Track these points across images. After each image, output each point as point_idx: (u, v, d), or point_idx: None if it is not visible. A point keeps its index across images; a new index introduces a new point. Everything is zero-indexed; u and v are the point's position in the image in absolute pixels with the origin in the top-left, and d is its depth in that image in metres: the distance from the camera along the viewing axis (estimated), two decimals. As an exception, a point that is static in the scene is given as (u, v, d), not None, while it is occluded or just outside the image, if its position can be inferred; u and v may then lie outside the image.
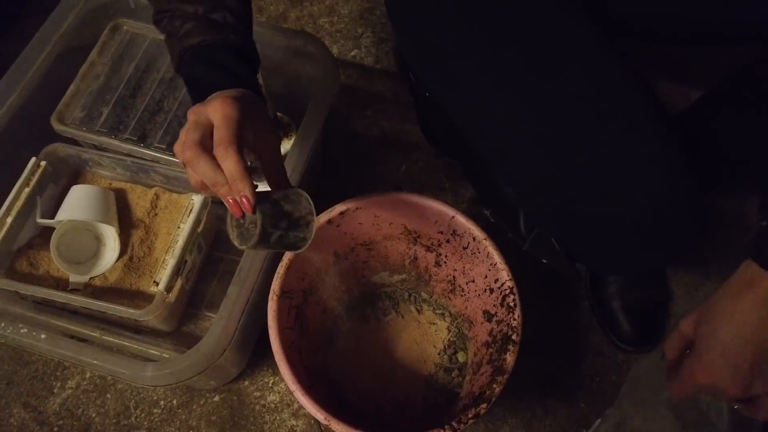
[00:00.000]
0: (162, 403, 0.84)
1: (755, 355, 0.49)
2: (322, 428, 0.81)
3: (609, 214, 0.59)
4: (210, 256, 0.83)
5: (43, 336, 0.66)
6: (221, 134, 0.46)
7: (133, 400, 0.84)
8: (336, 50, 1.11)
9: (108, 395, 0.84)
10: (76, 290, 0.75)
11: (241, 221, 0.50)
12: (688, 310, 0.88)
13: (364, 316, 0.83)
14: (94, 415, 0.83)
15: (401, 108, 1.05)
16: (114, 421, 0.83)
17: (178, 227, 0.75)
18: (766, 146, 0.66)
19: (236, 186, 0.46)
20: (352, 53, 1.11)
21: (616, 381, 0.85)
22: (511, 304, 0.66)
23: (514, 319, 0.64)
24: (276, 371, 0.85)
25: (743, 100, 0.65)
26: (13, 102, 0.78)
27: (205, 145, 0.47)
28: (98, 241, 0.78)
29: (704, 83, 1.01)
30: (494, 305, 0.69)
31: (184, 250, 0.72)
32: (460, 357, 0.79)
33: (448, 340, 0.81)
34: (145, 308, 0.68)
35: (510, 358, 0.62)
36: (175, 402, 0.84)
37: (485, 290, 0.71)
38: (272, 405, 0.84)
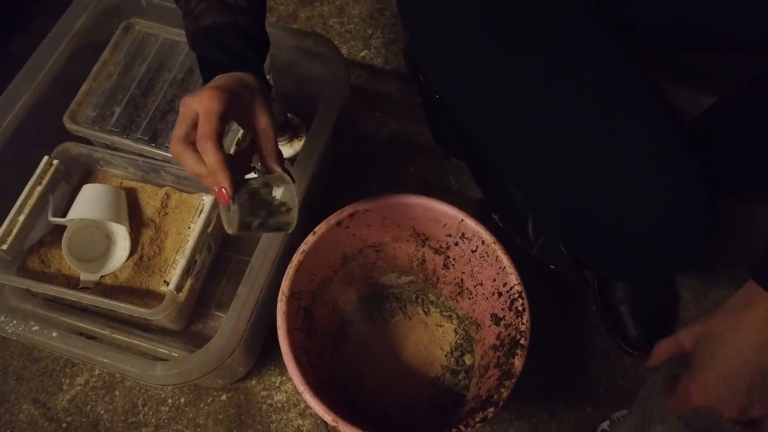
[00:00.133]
0: (170, 401, 0.84)
1: (753, 377, 0.48)
2: (329, 429, 0.82)
3: (617, 222, 0.58)
4: (219, 255, 0.84)
5: (54, 334, 0.67)
6: (202, 129, 0.48)
7: (141, 398, 0.85)
8: (346, 51, 1.11)
9: (116, 392, 0.85)
10: (86, 288, 0.75)
11: (228, 209, 0.52)
12: (696, 316, 0.88)
13: (372, 317, 0.84)
14: (102, 411, 0.84)
15: (410, 109, 1.05)
16: (122, 418, 0.83)
17: (189, 227, 0.76)
18: None
19: (216, 178, 0.49)
20: (362, 54, 1.12)
21: (623, 385, 0.85)
22: (520, 309, 0.66)
23: (523, 324, 0.64)
24: (283, 371, 0.85)
25: (756, 108, 0.65)
26: (26, 101, 0.78)
27: (191, 138, 0.49)
28: (109, 239, 0.79)
29: (717, 89, 1.01)
30: (502, 309, 0.70)
31: (194, 250, 0.72)
32: (467, 360, 0.79)
33: (455, 342, 0.81)
34: (155, 308, 0.69)
35: (518, 363, 0.62)
36: (182, 400, 0.84)
37: (493, 293, 0.71)
38: (279, 404, 0.84)
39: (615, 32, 0.59)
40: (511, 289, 0.67)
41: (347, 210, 0.70)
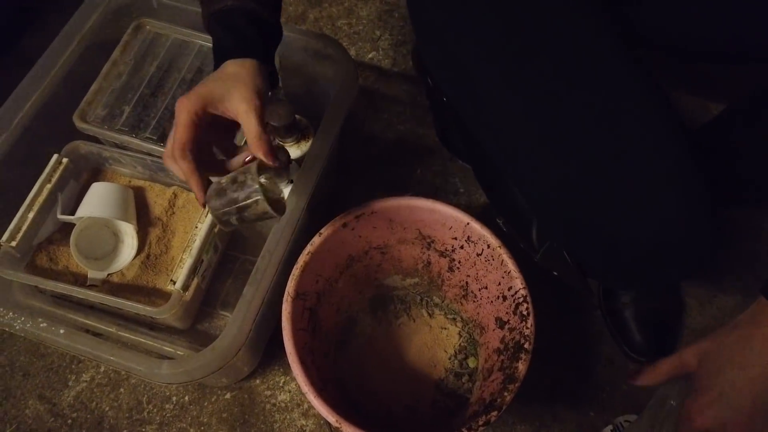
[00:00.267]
0: (174, 398, 0.85)
1: (759, 398, 0.46)
2: (332, 429, 0.82)
3: (619, 230, 0.58)
4: (225, 255, 0.84)
5: (62, 331, 0.67)
6: (176, 138, 0.52)
7: (145, 395, 0.85)
8: (354, 52, 1.12)
9: (121, 389, 0.85)
10: (93, 286, 0.76)
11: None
12: (701, 322, 0.88)
13: (376, 318, 0.84)
14: (107, 408, 0.84)
15: (417, 111, 1.05)
16: (126, 415, 0.84)
17: (196, 227, 0.76)
18: None
19: (189, 184, 0.53)
20: (370, 55, 1.12)
21: (627, 391, 0.85)
22: (525, 313, 0.66)
23: (527, 328, 0.65)
24: (287, 371, 0.86)
25: (765, 118, 0.64)
26: (36, 99, 0.79)
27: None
28: (116, 238, 0.79)
29: (726, 96, 1.01)
30: (507, 313, 0.70)
31: (201, 249, 0.73)
32: (471, 363, 0.80)
33: (459, 345, 0.81)
34: (162, 306, 0.69)
35: (522, 367, 0.62)
36: (187, 398, 0.85)
37: (498, 297, 0.71)
38: (282, 404, 0.84)
39: (624, 39, 0.59)
40: (516, 293, 0.68)
41: (353, 212, 0.71)
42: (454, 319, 0.83)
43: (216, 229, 0.75)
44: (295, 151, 0.84)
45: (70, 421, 0.84)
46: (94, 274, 0.76)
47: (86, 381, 0.86)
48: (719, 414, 0.48)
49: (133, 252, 0.78)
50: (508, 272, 0.68)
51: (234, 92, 0.54)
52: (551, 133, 0.59)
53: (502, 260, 0.69)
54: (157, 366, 0.65)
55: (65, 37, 0.83)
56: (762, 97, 0.65)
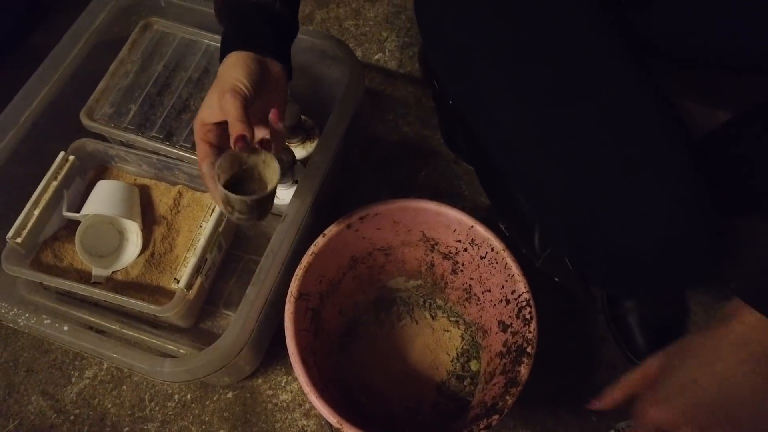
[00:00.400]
0: (176, 396, 0.85)
1: (721, 394, 0.44)
2: (333, 430, 0.82)
3: (622, 239, 0.58)
4: (229, 254, 0.84)
5: (65, 327, 0.68)
6: (199, 163, 0.55)
7: (148, 393, 0.85)
8: (360, 53, 1.12)
9: (124, 387, 0.86)
10: (98, 283, 0.76)
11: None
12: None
13: (379, 320, 0.84)
14: (109, 405, 0.85)
15: (423, 113, 1.05)
16: (129, 412, 0.84)
17: (200, 226, 0.77)
18: None
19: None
20: (376, 57, 1.12)
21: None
22: (527, 317, 0.66)
23: (530, 332, 0.64)
24: (289, 371, 0.86)
25: None
26: (44, 96, 0.79)
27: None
28: (121, 235, 0.80)
29: (733, 104, 1.00)
30: (510, 316, 0.70)
31: (205, 249, 0.73)
32: (473, 366, 0.79)
33: (462, 348, 0.81)
34: (165, 305, 0.69)
35: (524, 371, 0.62)
36: (189, 396, 0.85)
37: (501, 300, 0.71)
38: (284, 404, 0.84)
39: (631, 47, 0.58)
40: (519, 296, 0.67)
41: (357, 213, 0.71)
42: (457, 321, 0.83)
43: (220, 229, 0.75)
44: (300, 151, 0.84)
45: (72, 418, 0.84)
46: (98, 271, 0.76)
47: (89, 378, 0.86)
48: (677, 407, 0.45)
49: (138, 250, 0.78)
50: (512, 276, 0.68)
51: (223, 84, 0.53)
52: (555, 139, 0.59)
53: (506, 263, 0.68)
54: (159, 364, 0.65)
55: (73, 35, 0.84)
56: None
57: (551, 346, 0.85)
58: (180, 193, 0.81)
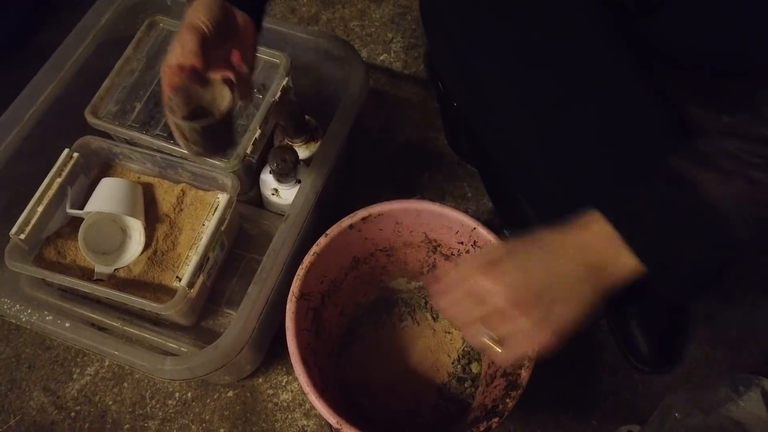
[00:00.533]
0: (177, 395, 0.85)
1: (547, 288, 0.46)
2: (333, 430, 0.82)
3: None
4: (232, 253, 0.84)
5: (67, 324, 0.68)
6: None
7: (149, 391, 0.86)
8: (365, 54, 1.12)
9: (125, 384, 0.86)
10: (100, 281, 0.76)
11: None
12: (707, 333, 0.88)
13: (380, 321, 0.84)
14: (110, 402, 0.85)
15: (427, 114, 1.05)
16: (129, 409, 0.84)
17: (203, 224, 0.77)
18: None
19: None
20: (381, 57, 1.12)
21: (631, 400, 0.84)
22: (529, 320, 0.65)
23: (531, 335, 0.64)
24: (290, 370, 0.86)
25: None
26: (49, 94, 0.80)
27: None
28: (124, 233, 0.80)
29: (737, 108, 1.00)
30: (511, 319, 0.69)
31: (208, 247, 0.73)
32: (474, 368, 0.79)
33: (463, 350, 0.81)
34: (167, 303, 0.69)
35: (525, 374, 0.62)
36: (189, 395, 0.85)
37: (503, 303, 0.71)
38: (284, 404, 0.84)
39: (635, 52, 0.58)
40: (520, 299, 0.67)
41: (360, 213, 0.71)
42: (459, 323, 0.83)
43: (223, 227, 0.76)
44: (303, 151, 0.84)
45: (73, 414, 0.84)
46: (100, 268, 0.76)
47: (90, 375, 0.87)
48: (504, 282, 0.47)
49: (140, 248, 0.78)
50: (514, 278, 0.68)
51: (183, 23, 0.53)
52: (558, 143, 0.59)
53: (508, 266, 0.68)
54: (160, 362, 0.65)
55: (79, 33, 0.84)
56: None
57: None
58: (183, 192, 0.81)
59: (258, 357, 0.83)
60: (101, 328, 0.77)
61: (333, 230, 0.70)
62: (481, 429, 0.59)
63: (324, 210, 0.80)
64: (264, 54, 0.85)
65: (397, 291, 0.85)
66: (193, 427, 0.83)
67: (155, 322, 0.79)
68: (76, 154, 0.78)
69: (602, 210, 0.47)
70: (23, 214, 0.74)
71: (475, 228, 0.70)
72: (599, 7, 0.59)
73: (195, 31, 0.52)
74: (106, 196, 0.77)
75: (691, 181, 0.44)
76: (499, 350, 0.48)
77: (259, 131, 0.79)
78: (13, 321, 0.70)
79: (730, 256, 0.46)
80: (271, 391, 0.85)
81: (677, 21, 0.60)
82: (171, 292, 0.75)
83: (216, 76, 0.56)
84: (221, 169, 0.77)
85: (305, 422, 0.83)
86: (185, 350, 0.75)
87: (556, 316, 0.46)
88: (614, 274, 0.46)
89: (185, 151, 0.78)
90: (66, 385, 0.86)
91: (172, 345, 0.76)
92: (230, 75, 0.57)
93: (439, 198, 0.98)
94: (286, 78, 0.83)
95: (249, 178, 0.83)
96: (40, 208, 0.75)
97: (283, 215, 0.73)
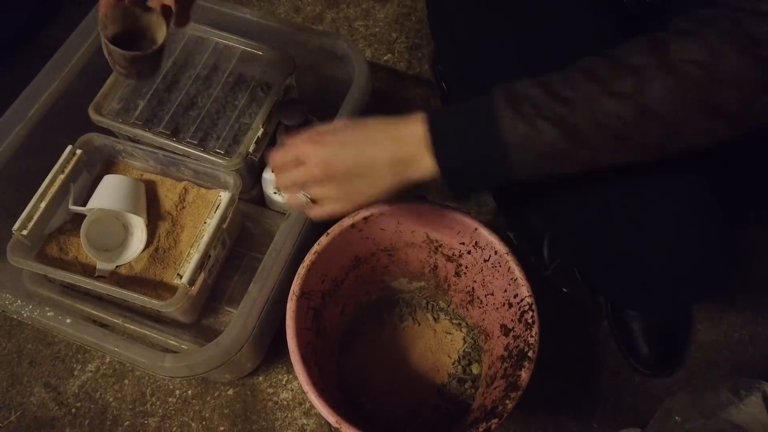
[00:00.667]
0: (177, 392, 0.85)
1: (354, 167, 0.52)
2: (332, 430, 0.82)
3: (633, 252, 0.58)
4: (233, 251, 0.85)
5: (68, 320, 0.68)
6: None
7: (149, 388, 0.86)
8: (369, 53, 1.12)
9: (126, 381, 0.86)
10: (102, 277, 0.76)
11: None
12: (710, 337, 0.87)
13: (381, 320, 0.84)
14: (111, 399, 0.85)
15: (430, 115, 1.05)
16: (130, 406, 0.85)
17: (205, 222, 0.77)
18: None
19: None
20: (385, 57, 1.12)
21: (631, 403, 0.84)
22: (530, 321, 0.65)
23: (532, 336, 0.64)
24: (290, 369, 0.86)
25: None
26: (53, 90, 0.80)
27: None
28: (126, 230, 0.80)
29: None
30: (512, 320, 0.69)
31: (209, 245, 0.73)
32: (474, 369, 0.79)
33: (463, 350, 0.81)
34: (168, 300, 0.70)
35: (525, 375, 0.62)
36: (190, 392, 0.85)
37: (504, 304, 0.71)
38: (284, 402, 0.84)
39: None
40: (521, 300, 0.67)
41: (362, 213, 0.71)
42: (459, 324, 0.83)
43: (225, 225, 0.76)
44: (306, 150, 0.84)
45: (74, 410, 0.85)
46: (102, 265, 0.76)
47: (91, 371, 0.87)
48: (319, 150, 0.53)
49: (142, 245, 0.78)
50: (515, 279, 0.68)
51: None
52: None
53: (509, 267, 0.68)
54: (160, 359, 0.65)
55: (83, 30, 0.84)
56: None
57: (553, 351, 0.85)
58: (185, 189, 0.81)
59: (258, 355, 0.83)
60: (102, 325, 0.77)
61: (334, 229, 0.70)
62: (481, 430, 0.59)
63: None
64: (267, 53, 0.85)
65: (398, 291, 0.85)
66: (193, 424, 0.83)
67: (156, 319, 0.79)
68: (79, 151, 0.78)
69: (429, 113, 0.52)
70: (26, 210, 0.74)
71: (476, 229, 0.70)
72: (605, 12, 0.59)
73: None
74: (109, 193, 0.77)
75: (497, 113, 0.48)
76: (312, 209, 0.57)
77: (261, 130, 0.79)
78: (15, 317, 0.70)
79: (511, 181, 0.51)
80: (271, 390, 0.85)
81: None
82: (172, 289, 0.75)
83: (155, 4, 0.58)
84: (224, 167, 0.77)
85: (305, 421, 0.83)
86: (186, 348, 0.75)
87: (357, 191, 0.53)
88: (416, 172, 0.52)
89: (188, 149, 0.79)
90: (67, 382, 0.86)
91: (172, 342, 0.76)
92: (170, 2, 0.59)
93: (441, 198, 0.97)
94: (290, 77, 0.84)
95: (251, 176, 0.83)
96: (43, 205, 0.75)
97: (285, 214, 0.73)
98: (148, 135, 0.80)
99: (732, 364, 0.86)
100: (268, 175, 0.82)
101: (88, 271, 0.77)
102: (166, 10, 0.59)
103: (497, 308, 0.73)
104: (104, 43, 0.57)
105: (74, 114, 0.81)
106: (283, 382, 0.86)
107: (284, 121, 0.83)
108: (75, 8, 1.17)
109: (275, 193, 0.83)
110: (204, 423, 0.83)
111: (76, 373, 0.87)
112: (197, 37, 0.88)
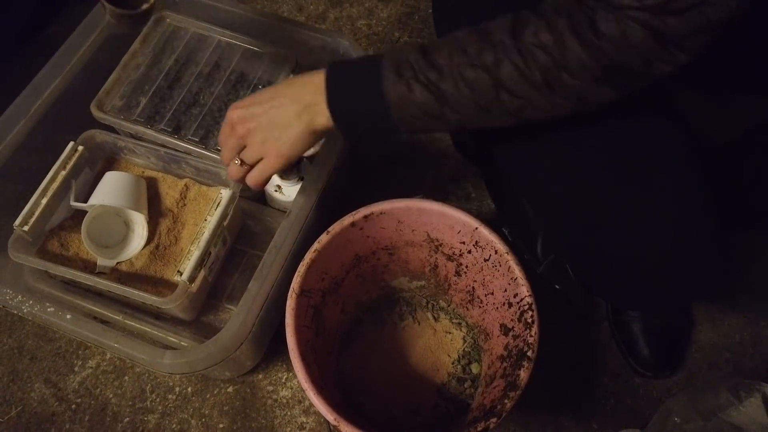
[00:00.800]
0: (177, 389, 0.85)
1: (270, 113, 0.56)
2: (331, 428, 0.82)
3: (627, 251, 0.58)
4: (233, 249, 0.85)
5: (68, 316, 0.68)
6: None
7: (149, 384, 0.86)
8: (372, 53, 1.12)
9: (126, 377, 0.86)
10: (102, 273, 0.77)
11: None
12: (710, 338, 0.87)
13: (381, 319, 0.84)
14: (111, 395, 0.85)
15: (432, 115, 1.05)
16: (130, 403, 0.85)
17: (205, 219, 0.77)
18: None
19: None
20: (388, 57, 1.12)
21: (631, 404, 0.84)
22: (529, 320, 0.65)
23: (531, 336, 0.64)
24: (290, 367, 0.86)
25: None
26: (56, 87, 0.80)
27: None
28: (127, 227, 0.80)
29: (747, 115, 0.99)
30: (512, 320, 0.69)
31: (209, 242, 0.73)
32: (474, 368, 0.79)
33: (463, 350, 0.81)
34: (168, 297, 0.70)
35: (524, 375, 0.62)
36: (189, 389, 0.85)
37: (504, 304, 0.71)
38: (284, 400, 0.85)
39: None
40: (521, 300, 0.67)
41: (362, 211, 0.71)
42: (459, 323, 0.83)
43: (225, 223, 0.76)
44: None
45: (74, 406, 0.85)
46: (103, 261, 0.77)
47: (92, 367, 0.87)
48: (243, 113, 0.58)
49: (143, 242, 0.79)
50: (515, 279, 0.68)
51: None
52: (563, 150, 0.58)
53: (510, 267, 0.68)
54: (159, 355, 0.65)
55: (86, 27, 0.84)
56: None
57: (553, 351, 0.85)
58: (187, 187, 0.82)
59: (258, 353, 0.83)
60: (103, 321, 0.77)
61: (335, 227, 0.70)
62: (479, 429, 0.59)
63: (326, 207, 0.80)
64: (270, 51, 0.85)
65: (398, 290, 0.85)
66: (192, 421, 0.83)
67: (156, 316, 0.79)
68: (80, 148, 0.79)
69: (330, 64, 0.56)
70: (27, 205, 0.74)
71: (477, 228, 0.70)
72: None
73: None
74: (110, 189, 0.77)
75: (382, 72, 0.52)
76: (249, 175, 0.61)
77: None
78: (16, 312, 0.70)
79: (397, 134, 0.56)
80: (270, 388, 0.85)
81: None
82: (172, 286, 0.75)
83: None
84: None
85: (304, 419, 0.83)
86: (185, 344, 0.76)
87: (276, 140, 0.57)
88: (319, 118, 0.56)
89: (189, 147, 0.79)
90: (67, 378, 0.86)
91: (172, 339, 0.76)
92: None
93: (443, 198, 0.97)
94: (291, 75, 0.84)
95: (252, 174, 0.83)
96: (45, 201, 0.75)
97: (286, 212, 0.73)
98: (149, 132, 0.80)
99: (733, 366, 0.85)
100: None
101: (89, 267, 0.77)
102: None
103: (497, 308, 0.73)
104: None
105: (76, 111, 0.81)
106: (283, 380, 0.86)
107: (286, 119, 0.82)
108: (78, 6, 1.17)
109: (276, 191, 0.83)
110: (203, 420, 0.83)
111: (76, 369, 0.87)
112: (199, 34, 0.88)
